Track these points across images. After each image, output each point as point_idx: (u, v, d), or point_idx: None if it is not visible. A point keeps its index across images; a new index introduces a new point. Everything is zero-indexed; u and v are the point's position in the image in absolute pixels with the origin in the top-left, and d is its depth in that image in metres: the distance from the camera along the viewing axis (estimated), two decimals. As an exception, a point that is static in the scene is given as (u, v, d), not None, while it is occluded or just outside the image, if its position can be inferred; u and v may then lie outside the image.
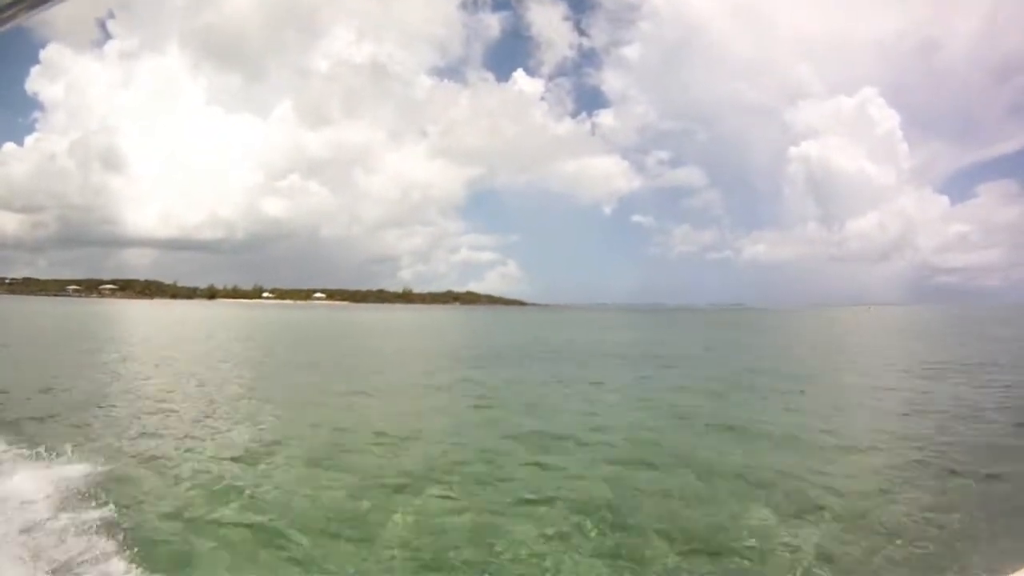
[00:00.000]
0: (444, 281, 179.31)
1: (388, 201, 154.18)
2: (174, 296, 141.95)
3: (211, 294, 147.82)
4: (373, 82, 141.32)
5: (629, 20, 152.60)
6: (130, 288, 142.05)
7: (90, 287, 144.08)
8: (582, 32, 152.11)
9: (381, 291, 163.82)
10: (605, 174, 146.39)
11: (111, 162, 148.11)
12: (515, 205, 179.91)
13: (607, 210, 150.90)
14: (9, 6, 1.41)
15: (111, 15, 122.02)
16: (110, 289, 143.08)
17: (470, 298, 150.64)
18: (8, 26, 1.43)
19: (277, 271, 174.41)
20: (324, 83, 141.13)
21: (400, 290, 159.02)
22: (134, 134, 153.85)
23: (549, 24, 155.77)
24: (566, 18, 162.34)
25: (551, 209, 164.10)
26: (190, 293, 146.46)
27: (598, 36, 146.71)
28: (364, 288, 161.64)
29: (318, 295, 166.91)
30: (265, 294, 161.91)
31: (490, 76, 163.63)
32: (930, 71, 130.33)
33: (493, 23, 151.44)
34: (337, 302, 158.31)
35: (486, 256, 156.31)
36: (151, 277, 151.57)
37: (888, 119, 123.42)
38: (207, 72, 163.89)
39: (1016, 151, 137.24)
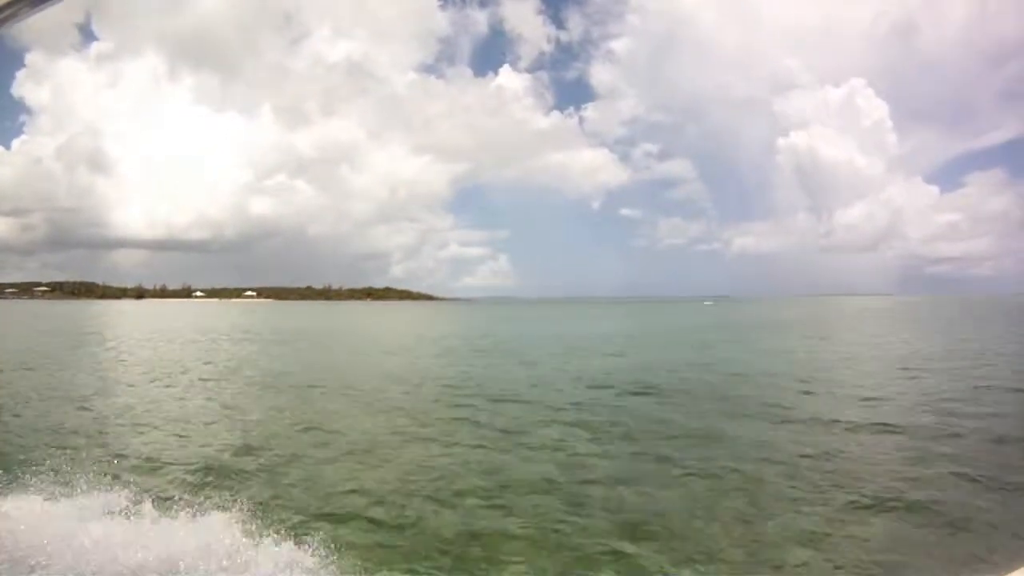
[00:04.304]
0: (435, 277, 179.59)
1: (374, 198, 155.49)
2: (102, 296, 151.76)
3: (139, 294, 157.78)
4: (354, 80, 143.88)
5: (617, 13, 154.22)
6: (60, 290, 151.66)
7: (24, 289, 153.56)
8: (568, 26, 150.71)
9: (309, 288, 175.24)
10: (593, 168, 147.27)
11: (97, 164, 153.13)
12: (503, 200, 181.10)
13: (595, 204, 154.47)
14: (9, 4, 1.44)
15: (90, 19, 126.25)
16: (42, 291, 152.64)
17: (383, 294, 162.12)
18: (9, 24, 1.48)
19: (266, 270, 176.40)
20: (304, 82, 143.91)
21: (323, 287, 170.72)
22: (119, 136, 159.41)
23: (534, 18, 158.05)
24: (551, 12, 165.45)
25: (540, 204, 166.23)
26: (119, 293, 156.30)
27: (585, 30, 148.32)
28: (355, 285, 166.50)
29: (249, 293, 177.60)
30: (197, 292, 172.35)
31: (474, 71, 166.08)
32: (919, 60, 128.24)
33: (476, 18, 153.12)
34: (264, 299, 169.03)
35: (476, 252, 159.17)
36: (142, 278, 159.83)
37: (876, 108, 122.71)
38: (187, 73, 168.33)
39: (1005, 140, 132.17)
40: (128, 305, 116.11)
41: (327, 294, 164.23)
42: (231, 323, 55.96)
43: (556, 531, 6.87)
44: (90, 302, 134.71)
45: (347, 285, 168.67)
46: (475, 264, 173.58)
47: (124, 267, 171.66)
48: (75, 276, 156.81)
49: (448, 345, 33.16)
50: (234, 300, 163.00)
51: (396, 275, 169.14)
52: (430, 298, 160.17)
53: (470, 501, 7.76)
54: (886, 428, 11.69)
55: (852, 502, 7.64)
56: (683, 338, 36.58)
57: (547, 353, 27.57)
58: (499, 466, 9.35)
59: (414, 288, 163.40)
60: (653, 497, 8.00)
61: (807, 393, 15.84)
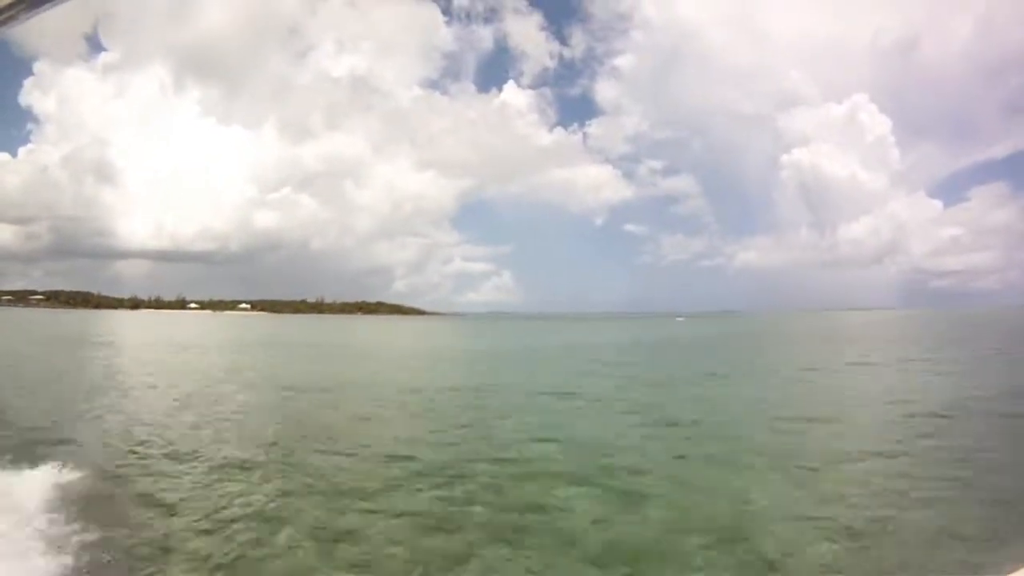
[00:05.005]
0: (439, 292, 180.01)
1: (378, 213, 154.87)
2: (98, 306, 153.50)
3: (135, 304, 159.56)
4: (358, 94, 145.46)
5: (620, 30, 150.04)
6: (55, 298, 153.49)
7: (20, 297, 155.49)
8: (572, 43, 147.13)
9: (304, 301, 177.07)
10: (596, 184, 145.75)
11: (103, 174, 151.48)
12: (507, 216, 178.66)
13: (599, 220, 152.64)
14: (10, 6, 1.46)
15: (97, 29, 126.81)
16: (37, 299, 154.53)
17: (374, 308, 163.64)
18: (8, 26, 1.48)
19: (268, 283, 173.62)
20: (308, 96, 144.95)
21: (315, 300, 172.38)
22: (124, 146, 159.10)
23: (538, 35, 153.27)
24: (554, 29, 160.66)
25: (544, 219, 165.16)
26: (115, 303, 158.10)
27: (588, 46, 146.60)
28: (361, 299, 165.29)
29: (243, 305, 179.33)
30: (191, 304, 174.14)
31: (478, 87, 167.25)
32: (921, 74, 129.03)
33: (481, 34, 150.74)
34: (258, 312, 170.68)
35: (480, 267, 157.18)
36: (146, 288, 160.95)
37: (879, 124, 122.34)
38: (192, 85, 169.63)
39: (1008, 153, 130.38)
40: (118, 315, 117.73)
41: (319, 307, 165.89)
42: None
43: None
44: (85, 312, 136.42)
45: (346, 299, 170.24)
46: (479, 280, 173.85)
47: (127, 277, 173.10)
48: (78, 285, 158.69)
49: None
50: (228, 312, 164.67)
51: (399, 290, 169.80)
52: (421, 313, 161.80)
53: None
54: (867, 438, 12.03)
55: (852, 506, 7.79)
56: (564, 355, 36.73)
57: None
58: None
59: (418, 304, 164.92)
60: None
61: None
